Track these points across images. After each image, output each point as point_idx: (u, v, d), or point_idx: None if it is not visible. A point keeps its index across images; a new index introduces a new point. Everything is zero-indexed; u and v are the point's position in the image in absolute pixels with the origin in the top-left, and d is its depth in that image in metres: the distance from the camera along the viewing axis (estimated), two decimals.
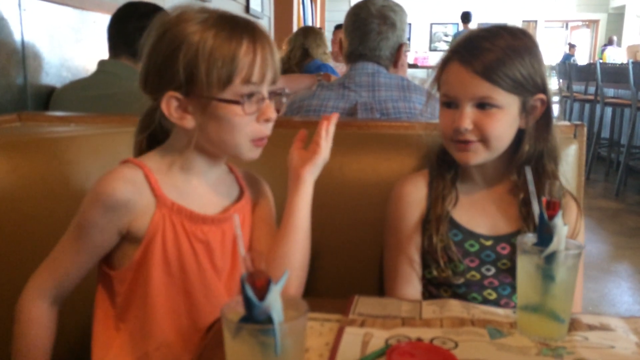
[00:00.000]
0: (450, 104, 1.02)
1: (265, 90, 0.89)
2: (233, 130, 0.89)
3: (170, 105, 0.88)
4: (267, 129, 0.91)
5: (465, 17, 9.09)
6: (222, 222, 0.95)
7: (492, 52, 0.98)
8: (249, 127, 0.89)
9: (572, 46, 11.54)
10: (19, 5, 1.58)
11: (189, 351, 0.92)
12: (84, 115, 1.39)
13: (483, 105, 0.98)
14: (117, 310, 0.94)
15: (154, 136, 0.96)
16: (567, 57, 11.02)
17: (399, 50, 1.74)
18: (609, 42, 11.11)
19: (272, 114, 0.90)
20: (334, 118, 1.03)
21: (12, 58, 1.57)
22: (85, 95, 1.64)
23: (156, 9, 1.68)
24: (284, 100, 0.96)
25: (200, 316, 0.94)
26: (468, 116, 0.99)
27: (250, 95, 0.87)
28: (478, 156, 1.01)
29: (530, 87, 1.00)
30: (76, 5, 1.81)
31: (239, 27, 0.87)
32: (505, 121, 1.00)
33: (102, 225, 0.88)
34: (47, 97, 1.71)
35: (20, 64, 1.60)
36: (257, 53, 0.87)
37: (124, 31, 1.66)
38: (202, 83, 0.85)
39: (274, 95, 0.92)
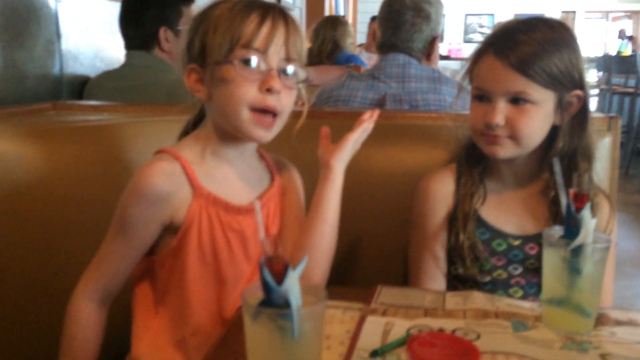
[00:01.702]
0: (482, 97, 0.99)
1: (274, 62, 0.88)
2: (232, 96, 0.88)
3: (191, 78, 0.92)
4: (269, 99, 0.88)
5: None
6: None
7: (529, 45, 0.94)
8: (249, 93, 0.87)
9: (630, 38, 11.16)
10: None
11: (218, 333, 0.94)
12: (116, 104, 1.42)
13: (517, 100, 0.96)
14: (157, 294, 0.96)
15: (200, 119, 0.99)
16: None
17: (432, 43, 1.71)
18: (620, 36, 10.75)
19: (275, 84, 0.87)
20: (375, 114, 1.02)
21: (48, 48, 1.61)
22: (117, 86, 1.67)
23: None
24: (303, 92, 0.96)
25: (232, 303, 0.95)
26: (501, 111, 0.96)
27: (250, 62, 0.87)
28: (507, 150, 0.99)
29: (567, 82, 0.96)
30: None
31: (257, 4, 0.89)
32: (538, 118, 0.97)
33: (145, 219, 0.89)
34: (81, 87, 1.75)
35: (56, 54, 1.64)
36: (264, 23, 0.87)
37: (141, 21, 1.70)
38: (210, 50, 0.89)
39: (290, 77, 0.90)
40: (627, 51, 9.86)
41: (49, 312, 1.12)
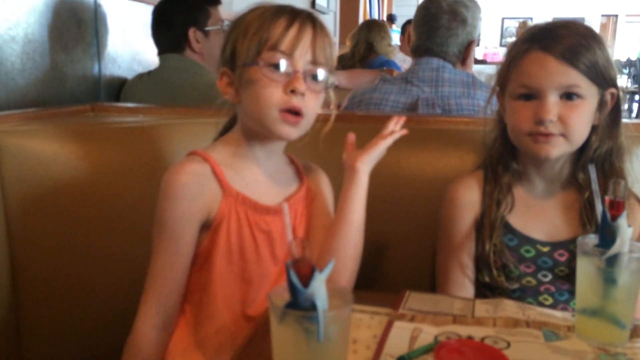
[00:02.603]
0: (529, 96, 0.97)
1: (299, 64, 0.89)
2: (259, 97, 0.90)
3: (223, 81, 0.95)
4: (294, 100, 0.89)
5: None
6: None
7: (572, 37, 0.94)
8: (275, 95, 0.89)
9: None
10: (95, 1, 1.66)
11: (244, 338, 0.93)
12: (150, 106, 1.45)
13: (569, 95, 0.94)
14: (184, 292, 0.97)
15: (232, 125, 1.02)
16: None
17: (468, 47, 1.69)
18: None
19: (300, 86, 0.89)
20: (401, 120, 1.03)
21: (88, 51, 1.65)
22: (152, 88, 1.71)
23: None
24: (332, 96, 0.98)
25: (256, 304, 0.96)
26: (554, 106, 0.94)
27: (277, 66, 0.89)
28: (558, 149, 0.96)
29: (607, 78, 0.96)
30: (148, 2, 1.88)
31: (287, 10, 0.92)
32: (586, 114, 0.96)
33: (184, 218, 0.90)
34: (119, 88, 1.79)
35: (95, 57, 1.68)
36: (291, 26, 0.89)
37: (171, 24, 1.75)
38: (239, 53, 0.91)
39: (317, 82, 0.92)
40: None
41: (88, 309, 1.16)
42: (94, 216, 1.16)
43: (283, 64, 0.89)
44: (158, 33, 1.78)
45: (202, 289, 0.95)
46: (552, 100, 0.94)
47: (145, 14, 1.85)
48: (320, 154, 1.06)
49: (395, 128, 1.02)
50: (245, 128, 0.96)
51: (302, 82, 0.89)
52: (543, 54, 0.95)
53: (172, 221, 0.90)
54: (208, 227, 0.93)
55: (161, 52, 1.78)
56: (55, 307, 1.15)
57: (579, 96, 0.94)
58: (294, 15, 0.91)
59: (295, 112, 0.90)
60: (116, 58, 1.79)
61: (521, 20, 11.03)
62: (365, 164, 0.99)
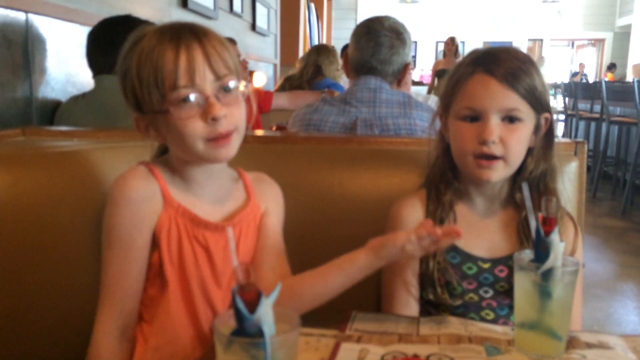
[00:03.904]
0: (473, 117, 1.00)
1: (206, 89, 0.86)
2: (183, 136, 0.87)
3: (140, 127, 0.93)
4: (219, 127, 0.87)
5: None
6: (224, 230, 0.96)
7: (512, 62, 0.99)
8: (197, 129, 0.86)
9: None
10: (26, 20, 1.60)
11: (194, 350, 0.94)
12: (86, 129, 1.40)
13: (510, 119, 0.98)
14: (146, 301, 0.96)
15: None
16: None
17: (405, 69, 1.74)
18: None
19: (217, 112, 0.86)
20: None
21: (18, 73, 1.59)
22: (88, 110, 1.66)
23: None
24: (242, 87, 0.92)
25: (200, 320, 0.96)
26: (496, 128, 0.98)
27: (185, 100, 0.86)
28: (499, 173, 1.00)
29: (543, 103, 1.01)
30: (82, 22, 1.83)
31: (167, 36, 0.87)
32: (525, 136, 1.00)
33: (133, 224, 0.90)
34: (52, 112, 1.72)
35: (27, 79, 1.62)
36: (179, 56, 0.85)
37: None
38: (143, 102, 0.88)
39: (230, 92, 0.88)
40: None
41: (18, 340, 1.09)
42: (25, 243, 1.10)
43: (190, 97, 0.85)
44: (96, 54, 1.74)
45: (156, 303, 0.94)
46: (494, 122, 0.98)
47: (79, 35, 1.80)
48: (261, 171, 1.06)
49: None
50: (179, 158, 0.94)
51: (217, 106, 0.86)
52: (487, 77, 0.99)
53: (122, 226, 0.90)
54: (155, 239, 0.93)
55: (97, 74, 1.74)
56: None
57: (518, 119, 0.99)
58: (177, 40, 0.86)
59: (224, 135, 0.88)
60: (49, 80, 1.73)
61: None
62: (371, 257, 0.91)
